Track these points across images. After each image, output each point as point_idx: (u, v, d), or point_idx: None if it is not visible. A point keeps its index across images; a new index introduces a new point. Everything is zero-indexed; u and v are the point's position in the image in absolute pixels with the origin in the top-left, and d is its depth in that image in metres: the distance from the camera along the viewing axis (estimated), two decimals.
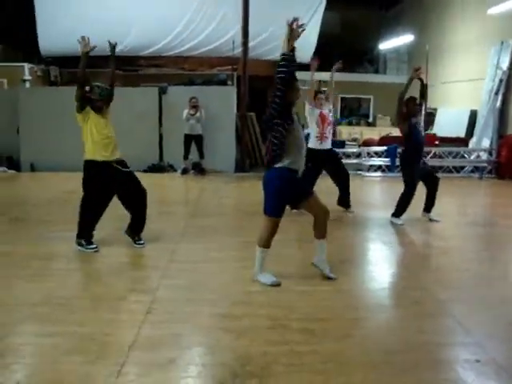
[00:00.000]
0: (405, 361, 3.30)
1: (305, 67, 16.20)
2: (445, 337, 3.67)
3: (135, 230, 5.63)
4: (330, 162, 7.35)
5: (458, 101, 14.40)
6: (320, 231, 4.56)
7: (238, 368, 3.13)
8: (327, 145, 7.21)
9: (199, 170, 10.89)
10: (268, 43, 14.44)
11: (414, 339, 3.61)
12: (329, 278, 4.63)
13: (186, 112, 10.52)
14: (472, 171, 11.85)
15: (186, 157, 10.76)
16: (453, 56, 14.94)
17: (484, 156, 11.95)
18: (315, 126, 7.07)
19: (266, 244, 4.48)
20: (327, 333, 3.62)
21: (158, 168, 11.05)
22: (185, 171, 10.86)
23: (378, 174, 11.58)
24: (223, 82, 12.36)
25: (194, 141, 10.70)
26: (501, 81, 11.96)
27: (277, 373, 3.08)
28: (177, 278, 4.69)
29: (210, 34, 13.85)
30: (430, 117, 14.50)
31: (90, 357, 3.23)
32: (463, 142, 12.49)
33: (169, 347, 3.37)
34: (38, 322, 3.77)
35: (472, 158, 12.02)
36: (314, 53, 15.24)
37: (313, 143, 7.08)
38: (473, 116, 13.02)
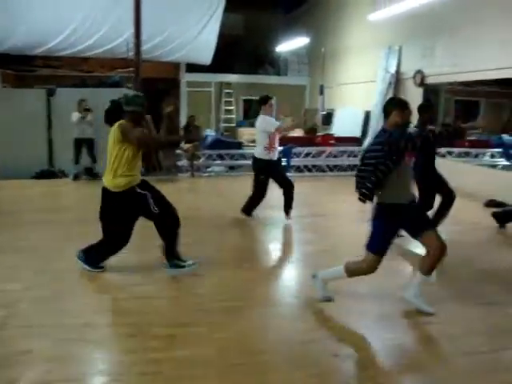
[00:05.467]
0: (266, 361, 3.32)
1: (205, 68, 16.30)
2: (308, 334, 3.72)
3: None
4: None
5: (353, 102, 14.92)
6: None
7: (87, 381, 3.01)
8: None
9: (92, 174, 10.51)
10: (166, 45, 14.23)
11: (275, 339, 3.63)
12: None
13: (75, 115, 10.12)
14: None
15: (77, 161, 10.36)
16: (348, 59, 15.47)
17: None
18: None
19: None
20: (188, 338, 3.57)
21: (47, 174, 10.53)
22: (76, 176, 10.45)
23: None
24: (118, 84, 12.00)
25: (85, 145, 10.32)
26: (390, 83, 12.53)
27: (129, 382, 2.98)
28: (42, 289, 4.43)
29: (105, 34, 13.38)
30: (328, 118, 14.95)
31: None
32: (357, 141, 12.95)
33: (14, 366, 3.15)
34: None
35: None
36: (215, 54, 15.26)
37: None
38: (367, 116, 13.54)
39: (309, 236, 6.67)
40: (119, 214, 4.61)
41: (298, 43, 16.73)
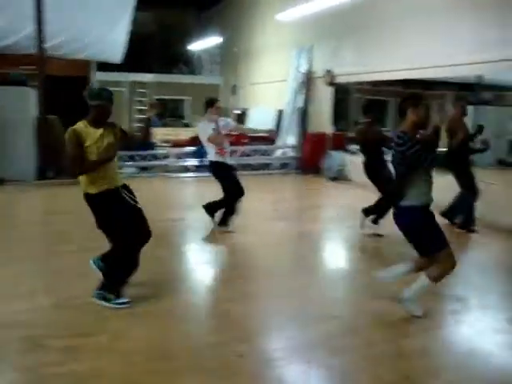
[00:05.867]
0: (173, 367, 3.21)
1: (118, 67, 15.82)
2: (215, 336, 3.65)
3: None
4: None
5: (266, 101, 15.04)
6: None
7: None
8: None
9: None
10: (73, 42, 13.62)
11: (181, 344, 3.52)
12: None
13: None
14: (279, 167, 12.43)
15: None
16: (261, 58, 15.59)
17: (290, 153, 12.62)
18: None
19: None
20: (90, 348, 3.38)
21: None
22: None
23: (189, 174, 11.54)
24: (22, 82, 11.32)
25: None
26: (301, 82, 12.73)
27: None
28: None
29: (4, 27, 12.54)
30: (241, 117, 14.97)
31: None
32: (270, 140, 13.05)
33: None
34: None
35: (278, 154, 12.64)
36: (128, 53, 14.81)
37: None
38: (279, 115, 13.68)
39: (224, 235, 6.58)
40: (117, 213, 4.09)
41: (211, 42, 16.66)
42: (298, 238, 6.68)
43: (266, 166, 12.35)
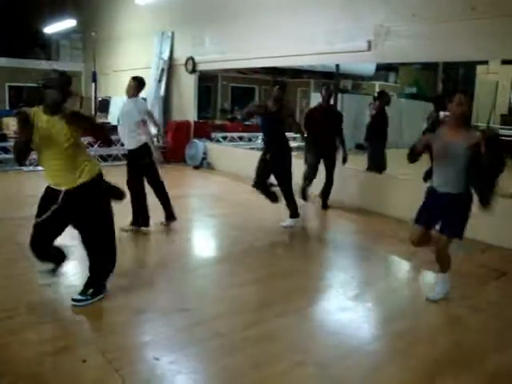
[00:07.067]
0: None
1: None
2: (58, 342, 3.43)
3: None
4: None
5: None
6: None
7: None
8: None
9: None
10: None
11: (17, 355, 3.24)
12: None
13: None
14: None
15: None
16: (122, 44, 15.04)
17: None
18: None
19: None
20: None
21: None
22: None
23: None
24: None
25: None
26: (163, 70, 12.49)
27: None
28: None
29: None
30: (104, 105, 14.38)
31: None
32: None
33: None
34: None
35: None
36: None
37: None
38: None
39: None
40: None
41: (66, 25, 15.72)
42: (159, 229, 6.56)
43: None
